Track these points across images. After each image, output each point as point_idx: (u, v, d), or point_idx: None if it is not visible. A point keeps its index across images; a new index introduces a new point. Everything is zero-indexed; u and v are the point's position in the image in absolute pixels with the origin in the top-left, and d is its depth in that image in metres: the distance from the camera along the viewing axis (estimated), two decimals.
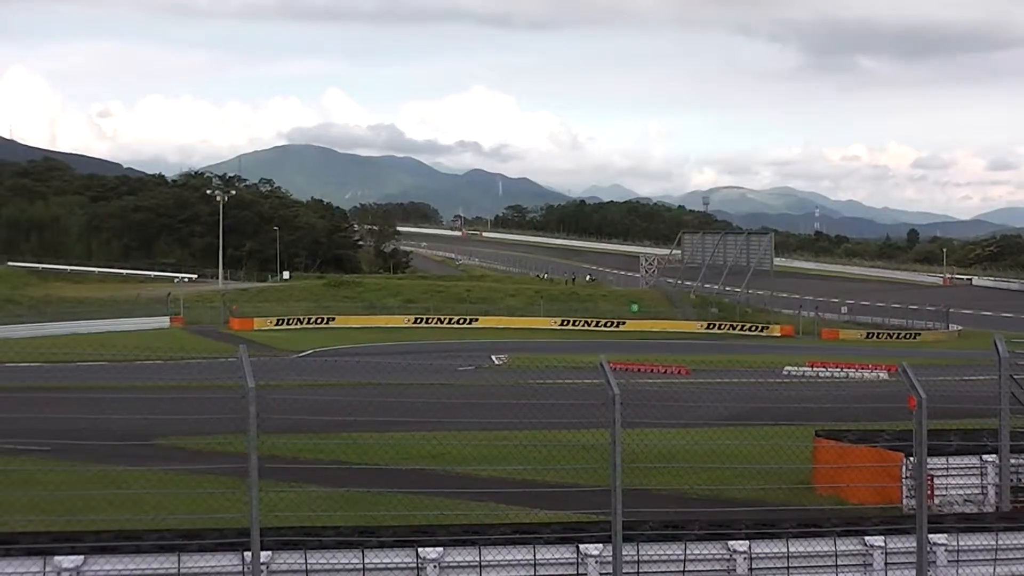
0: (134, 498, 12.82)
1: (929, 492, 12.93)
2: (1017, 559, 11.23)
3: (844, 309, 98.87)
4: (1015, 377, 14.08)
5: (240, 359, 9.49)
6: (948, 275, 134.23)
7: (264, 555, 9.59)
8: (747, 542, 10.81)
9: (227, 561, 9.78)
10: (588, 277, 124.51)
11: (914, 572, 10.24)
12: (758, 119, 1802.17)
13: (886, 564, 10.90)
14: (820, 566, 10.86)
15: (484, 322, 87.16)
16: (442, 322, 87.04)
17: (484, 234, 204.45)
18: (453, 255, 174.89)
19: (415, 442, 17.22)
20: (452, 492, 13.82)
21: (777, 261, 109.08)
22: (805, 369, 47.91)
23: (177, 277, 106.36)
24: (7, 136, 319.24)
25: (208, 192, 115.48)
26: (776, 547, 10.83)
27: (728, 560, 10.75)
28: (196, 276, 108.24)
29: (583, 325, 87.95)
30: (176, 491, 13.08)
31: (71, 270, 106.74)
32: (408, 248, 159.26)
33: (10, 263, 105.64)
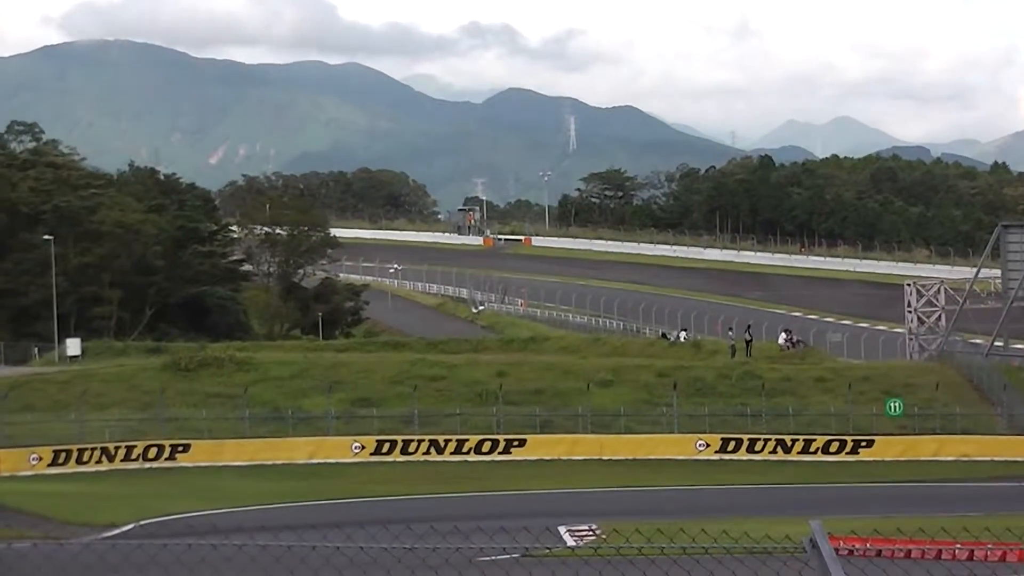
0: None
1: None
2: None
3: None
4: None
5: None
6: None
7: None
8: None
9: None
10: (784, 336, 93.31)
11: None
12: None
13: None
14: None
15: (536, 447, 71.48)
16: (440, 451, 70.71)
17: (533, 240, 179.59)
18: (465, 290, 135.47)
19: None
20: None
21: None
22: None
23: None
24: None
25: None
26: None
27: None
28: None
29: (775, 450, 72.87)
30: None
31: None
32: (363, 279, 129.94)
33: None
